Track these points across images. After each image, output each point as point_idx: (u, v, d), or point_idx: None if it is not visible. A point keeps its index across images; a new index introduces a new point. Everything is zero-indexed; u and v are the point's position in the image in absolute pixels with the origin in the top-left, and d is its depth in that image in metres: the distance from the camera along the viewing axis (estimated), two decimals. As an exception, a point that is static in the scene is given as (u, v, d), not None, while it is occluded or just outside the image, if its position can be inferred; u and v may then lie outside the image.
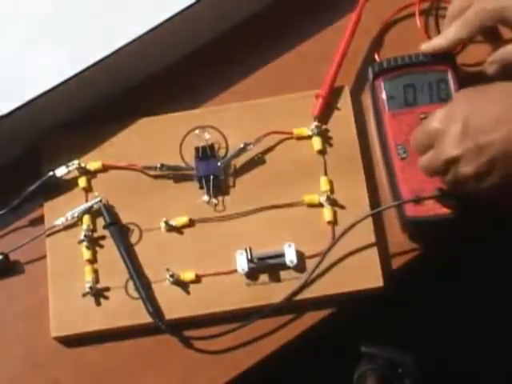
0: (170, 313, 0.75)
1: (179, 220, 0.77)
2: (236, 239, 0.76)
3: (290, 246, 0.75)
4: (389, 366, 0.73)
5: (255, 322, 0.74)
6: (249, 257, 0.74)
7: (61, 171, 0.78)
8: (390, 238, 0.77)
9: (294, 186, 0.78)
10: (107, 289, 0.76)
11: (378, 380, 0.73)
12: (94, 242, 0.77)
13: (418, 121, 0.78)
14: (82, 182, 0.79)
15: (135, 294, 0.75)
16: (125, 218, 0.78)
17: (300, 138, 0.80)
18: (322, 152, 0.79)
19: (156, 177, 0.79)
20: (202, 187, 0.78)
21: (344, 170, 0.79)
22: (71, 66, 0.77)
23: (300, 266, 0.75)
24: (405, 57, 0.79)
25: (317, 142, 0.79)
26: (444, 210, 0.74)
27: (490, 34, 0.77)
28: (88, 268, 0.76)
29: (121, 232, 0.77)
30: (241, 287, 0.75)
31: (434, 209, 0.74)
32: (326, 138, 0.80)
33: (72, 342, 0.75)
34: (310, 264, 0.75)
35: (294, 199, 0.77)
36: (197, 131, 0.80)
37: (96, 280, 0.76)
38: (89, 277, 0.75)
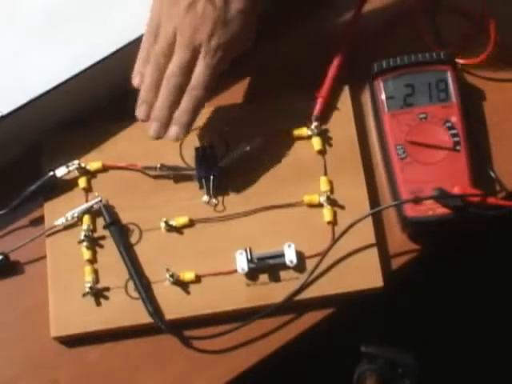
0: (170, 313, 0.75)
1: (179, 220, 0.77)
2: (236, 239, 0.76)
3: (289, 246, 0.75)
4: (389, 366, 0.73)
5: (255, 322, 0.74)
6: (249, 257, 0.74)
7: (61, 171, 0.78)
8: (390, 238, 0.77)
9: (294, 186, 0.78)
10: (107, 289, 0.76)
11: (377, 380, 0.73)
12: (93, 242, 0.77)
13: (418, 121, 0.78)
14: (82, 182, 0.79)
15: (135, 294, 0.75)
16: (125, 218, 0.78)
17: (300, 138, 0.80)
18: (322, 152, 0.79)
19: (156, 177, 0.79)
20: (201, 187, 0.79)
21: (344, 170, 0.79)
22: (71, 66, 0.77)
23: (300, 266, 0.75)
24: (404, 57, 0.79)
25: (317, 142, 0.79)
26: (443, 210, 0.74)
27: None
28: (88, 268, 0.76)
29: (121, 232, 0.77)
30: (241, 287, 0.75)
31: (433, 209, 0.75)
32: (326, 138, 0.80)
33: (72, 342, 0.75)
34: (310, 264, 0.75)
35: (294, 199, 0.77)
36: (197, 131, 0.80)
37: (96, 280, 0.76)
38: (89, 277, 0.75)
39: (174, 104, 0.74)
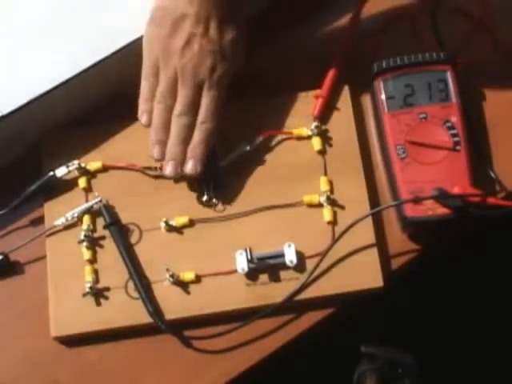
0: (170, 313, 0.75)
1: (179, 220, 0.77)
2: (236, 239, 0.76)
3: (289, 246, 0.75)
4: (389, 365, 0.73)
5: (255, 322, 0.74)
6: (249, 257, 0.74)
7: (61, 171, 0.78)
8: (390, 238, 0.77)
9: (294, 186, 0.78)
10: (107, 289, 0.76)
11: (377, 380, 0.73)
12: (93, 242, 0.77)
13: (418, 121, 0.78)
14: (82, 182, 0.79)
15: (135, 294, 0.75)
16: (125, 218, 0.78)
17: (300, 138, 0.80)
18: (322, 152, 0.79)
19: (156, 177, 0.79)
20: (202, 187, 0.79)
21: (344, 170, 0.79)
22: (71, 66, 0.77)
23: (300, 266, 0.75)
24: (404, 57, 0.79)
25: (316, 142, 0.79)
26: (443, 210, 0.74)
27: None
28: (88, 268, 0.76)
29: (121, 232, 0.77)
30: (241, 287, 0.75)
31: (433, 209, 0.75)
32: (326, 138, 0.80)
33: (72, 342, 0.75)
34: (310, 264, 0.75)
35: (294, 199, 0.77)
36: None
37: (96, 280, 0.76)
38: (89, 277, 0.75)
39: (186, 140, 0.76)
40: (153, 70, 0.76)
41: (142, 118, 0.77)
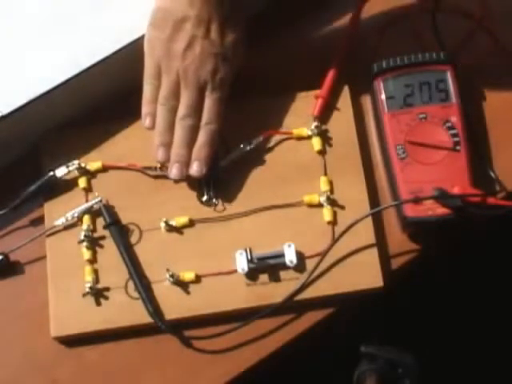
0: (170, 313, 0.75)
1: (179, 220, 0.77)
2: (236, 239, 0.76)
3: (289, 246, 0.75)
4: (389, 365, 0.73)
5: (255, 322, 0.74)
6: (249, 257, 0.74)
7: (61, 171, 0.78)
8: (390, 238, 0.77)
9: (294, 186, 0.78)
10: (107, 289, 0.76)
11: (377, 380, 0.73)
12: (93, 242, 0.77)
13: (418, 121, 0.78)
14: (82, 182, 0.79)
15: (135, 294, 0.75)
16: (125, 218, 0.78)
17: (300, 138, 0.80)
18: (322, 152, 0.79)
19: (156, 177, 0.79)
20: (202, 187, 0.79)
21: (344, 170, 0.79)
22: (71, 66, 0.77)
23: (300, 266, 0.75)
24: (404, 57, 0.79)
25: (316, 142, 0.79)
26: (443, 210, 0.74)
27: None
28: (88, 268, 0.76)
29: (121, 232, 0.77)
30: (241, 287, 0.75)
31: (433, 209, 0.75)
32: (326, 138, 0.80)
33: (72, 342, 0.75)
34: (310, 264, 0.75)
35: (294, 199, 0.77)
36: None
37: (96, 280, 0.76)
38: (89, 277, 0.75)
39: (191, 142, 0.76)
40: (155, 71, 0.76)
41: (146, 120, 0.77)
